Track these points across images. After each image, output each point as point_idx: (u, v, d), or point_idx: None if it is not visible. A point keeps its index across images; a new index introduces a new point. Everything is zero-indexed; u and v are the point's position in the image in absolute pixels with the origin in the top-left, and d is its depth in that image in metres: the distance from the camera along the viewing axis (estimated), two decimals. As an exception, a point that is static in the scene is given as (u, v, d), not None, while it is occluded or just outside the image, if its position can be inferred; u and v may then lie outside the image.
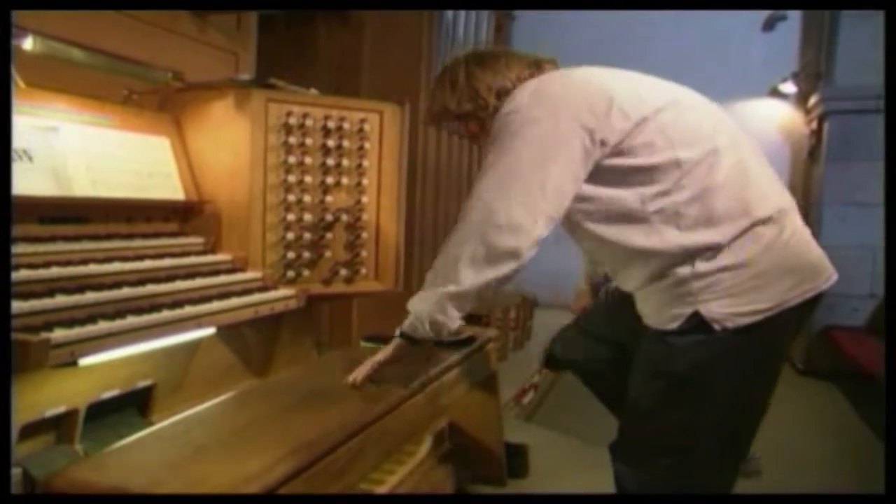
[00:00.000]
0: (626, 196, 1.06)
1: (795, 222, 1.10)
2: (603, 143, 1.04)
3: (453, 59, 1.28)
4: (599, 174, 1.06)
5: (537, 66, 1.21)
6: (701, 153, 1.04)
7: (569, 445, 2.24)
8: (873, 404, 3.02)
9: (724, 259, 1.03)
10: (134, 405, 1.59)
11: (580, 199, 1.08)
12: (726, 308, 1.03)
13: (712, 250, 1.03)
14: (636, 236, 1.06)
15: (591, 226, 1.11)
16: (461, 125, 1.27)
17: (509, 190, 1.05)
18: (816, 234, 1.18)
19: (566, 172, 1.04)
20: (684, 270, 1.04)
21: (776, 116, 3.98)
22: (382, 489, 1.54)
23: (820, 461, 2.36)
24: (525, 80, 1.16)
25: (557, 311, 3.02)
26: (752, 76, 3.79)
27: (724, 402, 1.10)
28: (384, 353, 1.26)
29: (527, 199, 1.04)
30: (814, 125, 3.69)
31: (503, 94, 1.15)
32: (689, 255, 1.04)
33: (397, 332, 1.24)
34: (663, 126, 1.04)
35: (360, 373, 1.26)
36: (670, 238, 1.04)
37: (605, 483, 1.93)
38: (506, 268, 1.07)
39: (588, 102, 1.05)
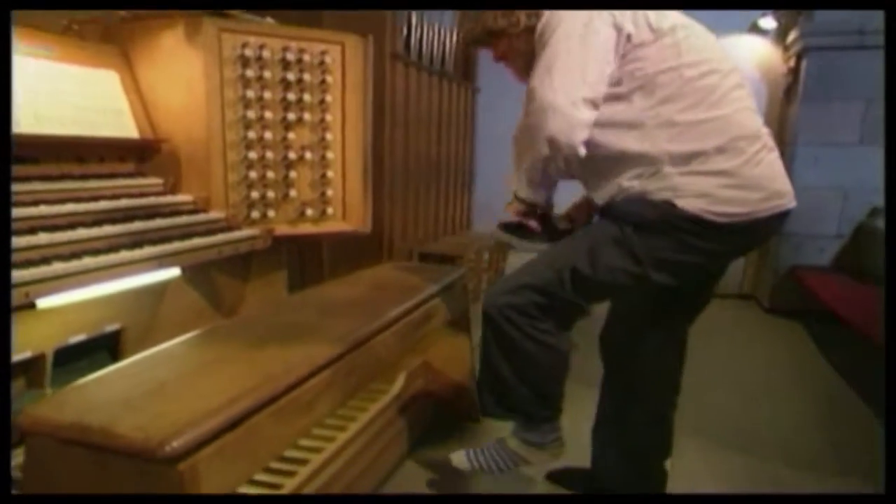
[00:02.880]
0: (629, 101, 1.17)
1: (770, 146, 1.22)
2: (628, 39, 1.16)
3: None
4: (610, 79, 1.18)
5: None
6: (703, 71, 1.16)
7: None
8: (834, 341, 3.14)
9: (707, 165, 1.14)
10: (105, 350, 1.57)
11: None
12: (702, 205, 1.14)
13: (698, 157, 1.14)
14: (630, 141, 1.17)
15: (601, 139, 1.19)
16: (494, 45, 1.37)
17: (552, 77, 1.16)
18: (788, 174, 1.26)
19: (601, 59, 1.16)
20: (669, 170, 1.16)
21: (755, 53, 3.92)
22: (355, 426, 1.57)
23: (779, 394, 2.46)
24: None
25: (531, 255, 3.03)
26: (733, 11, 3.69)
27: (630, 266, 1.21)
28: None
29: (565, 83, 1.15)
30: (792, 62, 3.65)
31: (532, 14, 1.27)
32: (675, 159, 1.15)
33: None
34: (678, 41, 1.16)
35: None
36: (661, 144, 1.15)
37: (574, 420, 2.00)
38: (547, 149, 1.18)
39: (618, 11, 1.17)
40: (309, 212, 1.75)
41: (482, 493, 1.58)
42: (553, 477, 1.61)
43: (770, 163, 1.19)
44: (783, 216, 1.21)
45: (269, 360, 1.04)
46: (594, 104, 1.17)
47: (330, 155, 1.70)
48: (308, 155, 1.69)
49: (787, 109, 3.72)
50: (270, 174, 1.67)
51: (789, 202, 1.21)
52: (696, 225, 1.15)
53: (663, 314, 1.38)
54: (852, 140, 3.51)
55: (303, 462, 1.42)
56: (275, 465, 1.44)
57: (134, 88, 1.61)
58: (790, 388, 2.51)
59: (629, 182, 1.20)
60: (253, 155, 1.64)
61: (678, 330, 1.43)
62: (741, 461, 1.86)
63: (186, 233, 1.51)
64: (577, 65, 1.15)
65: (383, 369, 1.26)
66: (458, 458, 1.44)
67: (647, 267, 1.19)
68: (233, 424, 0.88)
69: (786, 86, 3.76)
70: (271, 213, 1.72)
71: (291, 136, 1.67)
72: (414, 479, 1.63)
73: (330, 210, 1.77)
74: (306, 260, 2.34)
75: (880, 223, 3.38)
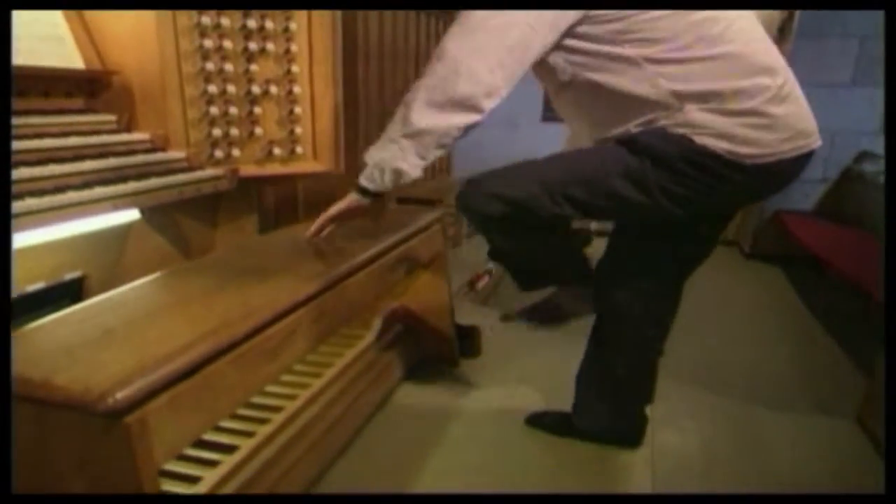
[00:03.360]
0: (621, 46, 1.08)
1: (792, 79, 1.12)
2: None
3: None
4: (609, 31, 1.08)
5: None
6: (700, 13, 1.06)
7: (520, 327, 2.27)
8: (813, 286, 3.16)
9: (726, 104, 1.06)
10: (67, 299, 1.49)
11: (580, 52, 1.10)
12: (724, 146, 1.07)
13: (715, 97, 1.06)
14: (629, 82, 1.09)
15: (588, 75, 1.12)
16: None
17: (472, 42, 1.07)
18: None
19: (532, 33, 1.06)
20: (686, 107, 1.08)
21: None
22: (330, 372, 1.53)
23: (758, 337, 2.47)
24: None
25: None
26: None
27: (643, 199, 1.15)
28: (337, 206, 1.28)
29: (488, 51, 1.06)
30: (787, -2, 3.51)
31: None
32: (685, 98, 1.07)
33: (353, 188, 1.26)
34: None
35: (313, 228, 1.31)
36: (665, 84, 1.07)
37: (553, 364, 2.00)
38: (462, 117, 1.10)
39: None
40: (277, 151, 1.65)
41: (459, 436, 1.56)
42: (532, 421, 1.60)
43: (795, 98, 1.11)
44: (808, 157, 1.14)
45: (229, 304, 0.97)
46: (513, 76, 1.09)
47: (297, 89, 1.59)
48: (273, 89, 1.57)
49: (781, 48, 3.60)
50: (233, 110, 1.55)
51: (815, 142, 1.13)
52: (718, 162, 1.08)
53: (663, 257, 1.32)
54: (844, 80, 3.42)
55: (277, 409, 1.39)
56: (248, 412, 1.41)
57: (75, 13, 1.46)
58: (769, 332, 2.52)
59: (637, 129, 1.13)
60: (213, 89, 1.52)
61: (675, 277, 1.37)
62: (720, 403, 1.87)
63: (143, 173, 1.40)
64: (501, 33, 1.06)
65: (357, 313, 1.20)
66: None
67: (658, 197, 1.13)
68: (187, 373, 0.81)
69: (780, 22, 3.62)
70: (236, 153, 1.61)
71: (254, 68, 1.54)
72: (393, 424, 1.61)
73: (299, 149, 1.66)
74: (281, 203, 2.24)
75: (867, 167, 3.34)
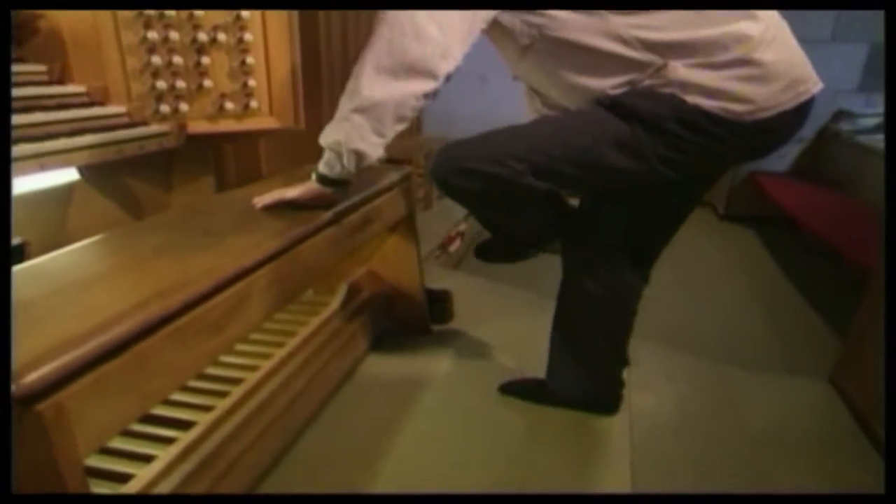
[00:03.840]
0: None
1: (777, 22, 1.03)
2: None
3: None
4: None
5: None
6: None
7: (494, 291, 2.21)
8: (787, 247, 3.17)
9: (708, 58, 0.98)
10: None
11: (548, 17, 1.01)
12: (715, 104, 0.99)
13: (692, 50, 0.98)
14: (600, 39, 1.00)
15: (548, 33, 1.02)
16: None
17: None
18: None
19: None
20: (669, 64, 0.99)
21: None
22: (294, 341, 1.45)
23: (731, 298, 2.46)
24: None
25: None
26: None
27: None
28: (294, 189, 1.18)
29: (435, 9, 0.97)
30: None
31: None
32: (661, 50, 0.99)
33: (312, 174, 1.16)
34: None
35: (262, 200, 1.19)
36: (632, 32, 0.98)
37: (528, 328, 1.94)
38: (417, 84, 1.00)
39: None
40: (230, 106, 1.51)
41: (431, 405, 1.51)
42: (506, 389, 1.55)
43: (784, 42, 1.01)
44: (810, 104, 1.04)
45: (166, 272, 0.87)
46: (468, 37, 1.01)
47: (248, 37, 1.44)
48: (222, 36, 1.42)
49: (760, 3, 3.51)
50: (178, 59, 1.41)
51: (815, 86, 1.03)
52: (714, 122, 0.99)
53: (643, 219, 1.24)
54: (824, 36, 3.36)
55: (237, 381, 1.31)
56: (206, 385, 1.33)
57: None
58: (742, 293, 2.51)
59: (618, 91, 1.04)
60: (153, 35, 1.37)
61: (654, 241, 1.30)
62: (695, 364, 1.86)
63: (77, 129, 1.27)
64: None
65: (315, 279, 1.11)
66: None
67: (655, 165, 1.04)
68: (113, 351, 0.72)
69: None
70: (184, 107, 1.47)
71: (199, 13, 1.39)
72: (362, 395, 1.54)
73: (254, 103, 1.53)
74: (242, 163, 2.10)
75: (844, 126, 3.32)
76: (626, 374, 1.45)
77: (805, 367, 1.88)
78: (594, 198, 1.29)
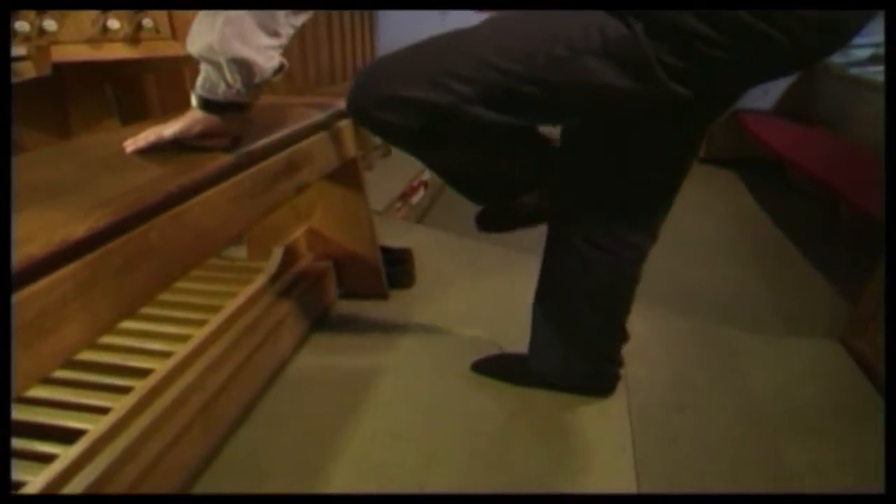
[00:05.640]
0: None
1: None
2: None
3: None
4: None
5: None
6: None
7: (464, 248, 1.93)
8: (773, 191, 2.97)
9: None
10: None
11: None
12: None
13: None
14: None
15: None
16: None
17: None
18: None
19: None
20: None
21: None
22: (218, 318, 1.15)
23: (718, 249, 2.26)
24: None
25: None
26: None
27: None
28: (174, 125, 0.86)
29: None
30: None
31: None
32: None
33: (193, 98, 0.86)
34: None
35: (135, 142, 0.88)
36: None
37: (503, 292, 1.69)
38: None
39: None
40: (114, 25, 1.15)
41: (390, 391, 1.25)
42: (479, 367, 1.29)
43: None
44: None
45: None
46: None
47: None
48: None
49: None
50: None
51: None
52: (759, 16, 0.70)
53: (645, 156, 0.97)
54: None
55: (142, 373, 1.02)
56: (106, 380, 1.04)
57: None
58: (731, 245, 2.31)
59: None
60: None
61: (662, 185, 1.03)
62: (687, 325, 1.64)
63: None
64: None
65: (216, 246, 0.81)
66: None
67: (664, 81, 0.74)
68: None
69: None
70: (51, 26, 1.10)
71: None
72: (307, 381, 1.27)
73: (148, 23, 1.16)
74: (165, 84, 1.71)
75: (835, 59, 3.08)
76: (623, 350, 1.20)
77: (808, 325, 1.69)
78: (578, 131, 1.00)
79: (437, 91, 0.75)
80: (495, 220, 1.12)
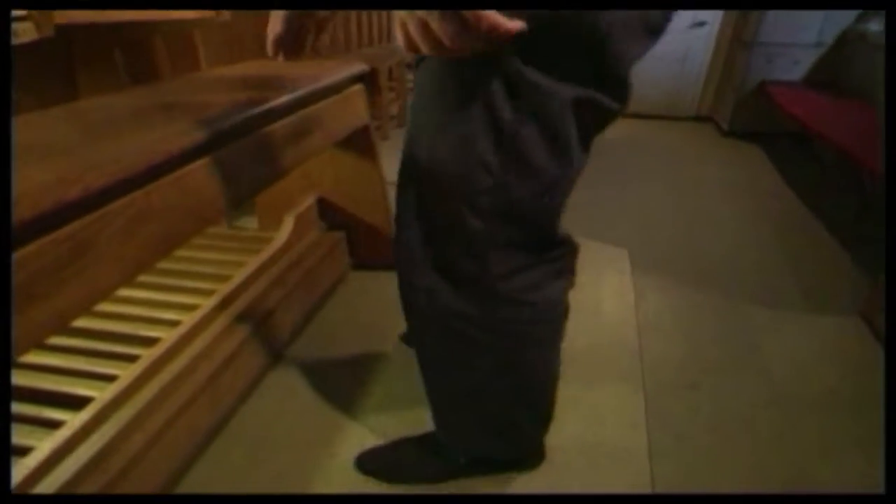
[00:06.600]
0: None
1: None
2: None
3: None
4: None
5: None
6: None
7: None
8: (800, 167, 2.87)
9: None
10: None
11: None
12: None
13: None
14: None
15: None
16: None
17: None
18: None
19: None
20: None
21: None
22: (225, 288, 1.14)
23: (739, 223, 2.19)
24: None
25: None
26: None
27: None
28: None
29: None
30: None
31: None
32: None
33: None
34: None
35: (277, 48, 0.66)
36: None
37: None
38: None
39: None
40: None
41: (411, 371, 1.23)
42: (364, 465, 1.00)
43: None
44: None
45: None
46: None
47: None
48: None
49: None
50: None
51: None
52: None
53: None
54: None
55: (150, 342, 1.02)
56: (108, 346, 1.03)
57: None
58: (752, 218, 2.23)
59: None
60: None
61: None
62: (703, 299, 1.60)
63: None
64: None
65: (218, 212, 0.78)
66: None
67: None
68: None
69: None
70: (54, -16, 1.07)
71: None
72: (317, 351, 1.26)
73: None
74: (176, 49, 1.67)
75: (873, 26, 2.93)
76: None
77: (830, 302, 1.64)
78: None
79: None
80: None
